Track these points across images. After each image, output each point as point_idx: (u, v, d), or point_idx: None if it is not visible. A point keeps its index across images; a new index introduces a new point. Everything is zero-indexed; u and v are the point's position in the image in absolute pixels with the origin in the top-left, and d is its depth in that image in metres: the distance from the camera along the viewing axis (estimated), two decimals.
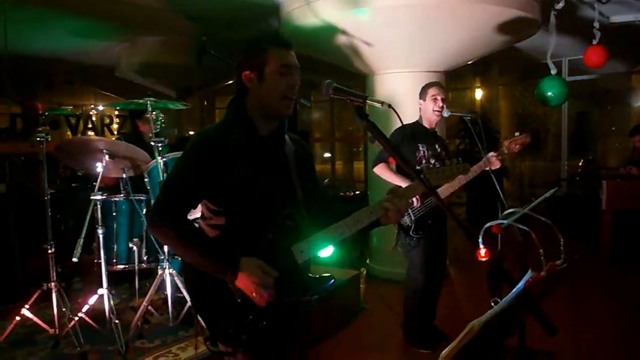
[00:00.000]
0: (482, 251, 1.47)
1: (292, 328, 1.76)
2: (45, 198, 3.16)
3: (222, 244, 1.64)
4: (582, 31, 5.71)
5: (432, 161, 3.40)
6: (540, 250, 1.69)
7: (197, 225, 1.79)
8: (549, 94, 5.38)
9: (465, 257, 5.80)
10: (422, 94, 3.46)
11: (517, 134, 3.38)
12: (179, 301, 3.41)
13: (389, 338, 3.77)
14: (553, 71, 5.45)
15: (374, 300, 4.50)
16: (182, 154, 1.68)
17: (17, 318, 3.06)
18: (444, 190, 3.27)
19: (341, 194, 6.84)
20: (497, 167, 3.31)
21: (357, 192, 6.90)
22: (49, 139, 3.19)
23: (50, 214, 3.18)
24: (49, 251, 3.13)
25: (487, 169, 3.26)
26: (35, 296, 3.13)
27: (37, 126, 3.23)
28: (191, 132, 9.87)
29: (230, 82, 8.69)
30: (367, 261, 5.48)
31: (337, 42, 4.68)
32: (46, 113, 3.29)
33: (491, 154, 3.31)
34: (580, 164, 8.50)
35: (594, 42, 5.25)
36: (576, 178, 7.98)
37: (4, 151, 5.24)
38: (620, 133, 9.19)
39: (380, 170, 3.37)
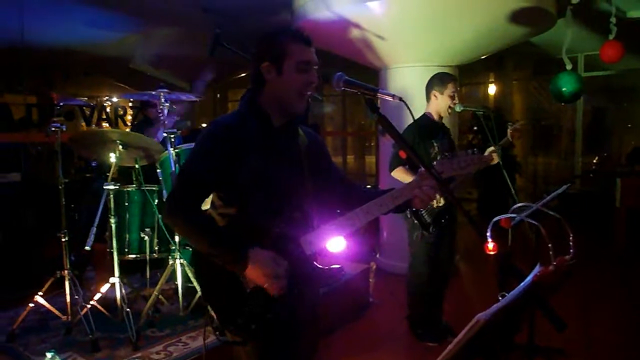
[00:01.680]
0: (490, 245, 1.46)
1: (301, 319, 1.77)
2: (60, 187, 3.20)
3: (233, 234, 1.65)
4: (599, 26, 5.63)
5: (446, 154, 3.37)
6: (549, 245, 1.68)
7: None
8: (564, 89, 5.32)
9: (475, 253, 5.77)
10: (439, 86, 3.37)
11: (510, 123, 3.38)
12: (189, 291, 3.44)
13: (398, 332, 3.77)
14: (568, 66, 5.38)
15: (383, 294, 4.51)
16: (197, 143, 1.68)
17: (31, 305, 3.11)
18: (455, 187, 3.26)
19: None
20: (494, 162, 3.27)
21: (369, 186, 6.89)
22: (64, 129, 3.22)
23: (64, 203, 3.22)
24: (63, 240, 3.17)
25: (496, 162, 3.22)
26: (48, 284, 3.18)
27: (53, 116, 3.26)
28: (204, 125, 9.91)
29: (243, 74, 8.72)
30: (377, 255, 5.48)
31: (350, 36, 4.66)
32: (61, 103, 3.32)
33: (491, 148, 3.28)
34: (594, 160, 8.40)
35: (611, 37, 5.16)
36: (590, 175, 7.89)
37: (20, 141, 5.30)
38: (636, 130, 9.05)
39: (398, 174, 3.34)
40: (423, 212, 3.31)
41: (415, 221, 3.34)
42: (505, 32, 4.69)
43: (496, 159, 3.25)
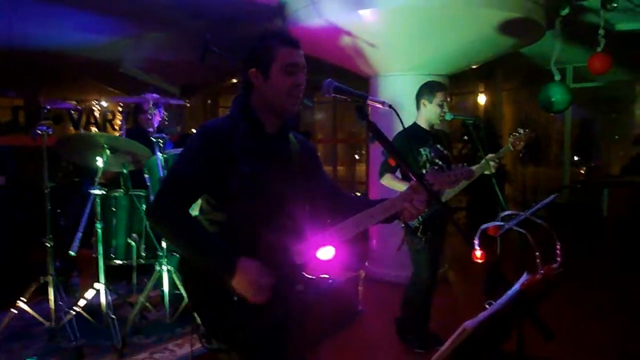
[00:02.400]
0: (478, 252, 1.46)
1: (288, 327, 1.75)
2: (45, 191, 3.16)
3: (221, 241, 1.62)
4: (587, 38, 5.70)
5: (437, 161, 3.38)
6: (537, 253, 1.68)
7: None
8: (553, 100, 5.38)
9: (464, 261, 5.78)
10: (428, 95, 3.37)
11: (520, 130, 3.37)
12: (176, 298, 3.40)
13: (387, 340, 3.75)
14: (557, 77, 5.44)
15: (372, 302, 4.49)
16: (186, 146, 1.66)
17: (14, 311, 3.05)
18: (447, 194, 3.26)
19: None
20: (489, 172, 3.29)
21: (358, 194, 6.90)
22: (50, 133, 3.19)
23: (50, 207, 3.18)
24: (47, 245, 3.12)
25: (488, 172, 3.25)
26: (32, 289, 3.13)
27: (40, 120, 3.22)
28: (194, 130, 9.87)
29: (234, 80, 8.71)
30: (366, 263, 5.47)
31: (341, 43, 4.67)
32: (48, 107, 3.29)
33: (490, 155, 3.30)
34: (582, 171, 8.48)
35: (599, 49, 5.23)
36: (578, 185, 7.96)
37: (5, 144, 5.24)
38: (624, 141, 9.15)
39: (387, 181, 3.34)
40: None
41: (402, 225, 3.34)
42: (494, 42, 4.74)
43: (492, 169, 3.26)
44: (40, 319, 3.11)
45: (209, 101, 11.19)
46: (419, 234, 3.32)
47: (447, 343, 1.07)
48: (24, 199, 4.01)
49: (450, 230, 3.64)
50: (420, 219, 3.29)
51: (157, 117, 3.48)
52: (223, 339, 1.63)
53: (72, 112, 6.83)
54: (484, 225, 1.93)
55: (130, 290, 3.74)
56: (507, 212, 2.25)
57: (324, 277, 3.97)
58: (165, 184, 1.65)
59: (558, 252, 1.58)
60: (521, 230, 1.94)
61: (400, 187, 3.22)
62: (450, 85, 5.08)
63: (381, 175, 3.34)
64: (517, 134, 3.39)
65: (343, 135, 11.55)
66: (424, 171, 3.17)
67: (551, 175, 9.49)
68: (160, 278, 3.28)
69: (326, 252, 1.74)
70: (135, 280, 3.62)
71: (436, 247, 3.44)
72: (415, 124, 3.47)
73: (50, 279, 3.09)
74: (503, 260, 2.62)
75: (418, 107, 3.47)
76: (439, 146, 3.44)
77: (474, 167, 3.23)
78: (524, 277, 1.22)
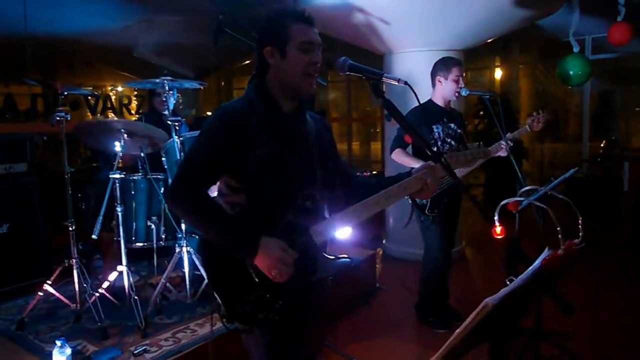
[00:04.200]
0: (498, 229, 1.45)
1: (308, 307, 1.77)
2: (66, 176, 3.21)
3: (243, 221, 1.63)
4: (606, 8, 5.54)
5: (449, 140, 3.36)
6: (558, 229, 1.67)
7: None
8: (571, 72, 5.26)
9: (482, 238, 5.77)
10: (443, 71, 3.33)
11: (540, 111, 3.31)
12: (196, 279, 3.46)
13: (405, 317, 3.79)
14: (576, 49, 5.32)
15: (390, 279, 4.52)
16: (203, 128, 1.66)
17: (40, 293, 3.13)
18: (460, 171, 3.23)
19: (357, 174, 6.83)
20: (504, 155, 3.24)
21: (374, 172, 6.88)
22: (69, 119, 3.22)
23: (70, 192, 3.23)
24: (70, 229, 3.18)
25: (498, 155, 3.20)
26: (57, 272, 3.20)
27: (58, 106, 3.26)
28: (209, 113, 9.90)
29: (248, 61, 8.68)
30: (383, 241, 5.49)
31: (354, 21, 4.62)
32: (65, 93, 3.31)
33: (508, 135, 3.25)
34: (602, 144, 8.33)
35: (619, 18, 5.09)
36: (598, 159, 7.82)
37: (25, 131, 5.32)
38: None
39: (397, 156, 3.33)
40: None
41: (410, 201, 3.33)
42: (511, 14, 4.63)
43: (504, 153, 3.21)
44: (66, 301, 3.19)
45: (223, 83, 11.18)
46: (426, 211, 3.32)
47: (469, 319, 1.08)
48: (45, 184, 4.07)
49: (466, 207, 3.63)
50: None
51: (171, 100, 3.49)
52: (244, 319, 1.64)
53: (89, 97, 6.89)
54: (504, 201, 1.91)
55: (151, 272, 3.80)
56: (527, 187, 2.22)
57: (343, 256, 4.00)
58: (183, 167, 1.66)
59: (580, 227, 1.56)
60: (542, 205, 1.92)
61: (411, 163, 3.21)
62: (465, 60, 4.99)
63: (392, 149, 3.34)
64: (534, 115, 3.33)
65: (358, 113, 11.47)
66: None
67: (569, 150, 9.34)
68: (180, 259, 3.33)
69: (343, 232, 1.75)
70: (156, 262, 3.68)
71: (448, 224, 3.43)
72: (430, 101, 3.43)
73: (74, 262, 3.16)
74: (521, 236, 2.61)
75: (434, 85, 3.42)
76: (452, 125, 3.41)
77: (490, 147, 3.20)
78: (546, 253, 1.21)
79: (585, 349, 3.11)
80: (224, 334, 2.49)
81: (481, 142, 1.76)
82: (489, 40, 5.42)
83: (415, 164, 3.20)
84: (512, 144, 3.26)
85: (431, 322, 3.60)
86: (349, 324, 3.68)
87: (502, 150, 3.23)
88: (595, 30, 7.19)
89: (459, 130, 3.43)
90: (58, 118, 3.16)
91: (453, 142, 3.37)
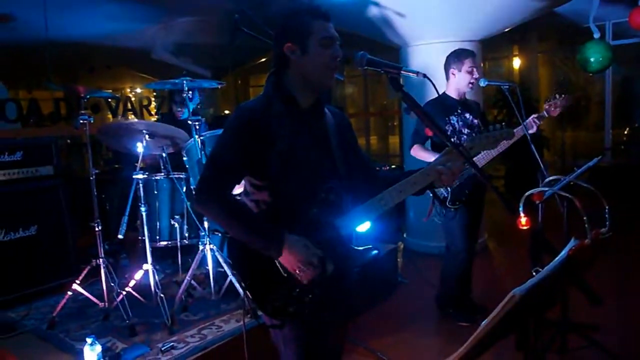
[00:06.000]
0: (523, 219, 1.44)
1: (336, 301, 1.78)
2: (91, 178, 3.27)
3: (267, 220, 1.65)
4: None
5: (465, 131, 3.33)
6: (584, 218, 1.64)
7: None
8: (592, 59, 5.17)
9: (504, 230, 5.71)
10: (456, 63, 3.31)
11: (557, 96, 3.25)
12: (220, 276, 3.50)
13: (427, 311, 3.78)
14: (596, 35, 5.22)
15: (411, 273, 4.51)
16: (224, 129, 1.68)
17: (69, 293, 3.21)
18: (480, 159, 3.20)
19: (377, 168, 6.81)
20: (533, 131, 3.19)
21: (393, 166, 6.86)
22: (92, 122, 3.28)
23: (95, 193, 3.29)
24: (96, 229, 3.25)
25: (527, 132, 3.13)
26: (85, 272, 3.27)
27: (80, 109, 3.32)
28: (227, 112, 9.97)
29: (263, 59, 8.71)
30: (404, 235, 5.48)
31: (369, 14, 4.60)
32: (87, 96, 3.37)
33: (533, 116, 3.20)
34: (625, 132, 8.16)
35: None
36: (621, 147, 7.67)
37: (50, 135, 5.43)
38: None
39: (416, 152, 3.33)
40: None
41: (431, 194, 3.31)
42: (528, 3, 4.56)
43: (534, 127, 3.15)
44: (95, 300, 3.26)
45: (239, 81, 11.24)
46: (448, 204, 3.30)
47: (496, 310, 1.08)
48: (70, 187, 4.16)
49: (487, 199, 3.60)
50: (449, 189, 3.26)
51: (194, 101, 3.54)
52: (275, 314, 1.66)
53: (110, 100, 6.99)
54: (529, 192, 1.89)
55: (176, 270, 3.86)
56: (550, 177, 2.20)
57: (369, 248, 4.00)
58: (207, 168, 1.68)
59: (607, 215, 1.54)
60: (567, 194, 1.90)
61: (429, 158, 3.19)
62: (482, 50, 4.94)
63: (411, 145, 3.34)
64: (552, 100, 3.28)
65: (375, 108, 11.43)
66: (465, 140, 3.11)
67: (592, 139, 9.17)
68: (204, 257, 3.38)
69: (364, 226, 1.76)
70: (180, 260, 3.73)
71: (471, 218, 3.40)
72: (444, 94, 3.41)
73: (101, 261, 3.22)
74: (545, 226, 2.59)
75: (447, 78, 3.41)
76: (467, 115, 3.38)
77: (515, 129, 3.17)
78: (572, 243, 1.20)
79: (612, 340, 3.06)
80: (252, 329, 2.53)
81: (504, 123, 1.74)
82: (506, 30, 5.35)
83: (433, 157, 3.18)
84: (536, 126, 3.20)
85: (452, 314, 3.58)
86: (372, 317, 3.68)
87: (531, 127, 3.17)
88: (616, 15, 7.04)
89: (476, 120, 3.40)
90: (82, 121, 3.22)
91: (469, 132, 3.35)
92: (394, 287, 4.28)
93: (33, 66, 6.90)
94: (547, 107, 3.27)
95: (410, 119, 4.78)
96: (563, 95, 3.23)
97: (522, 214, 1.48)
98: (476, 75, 3.28)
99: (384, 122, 11.63)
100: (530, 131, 3.16)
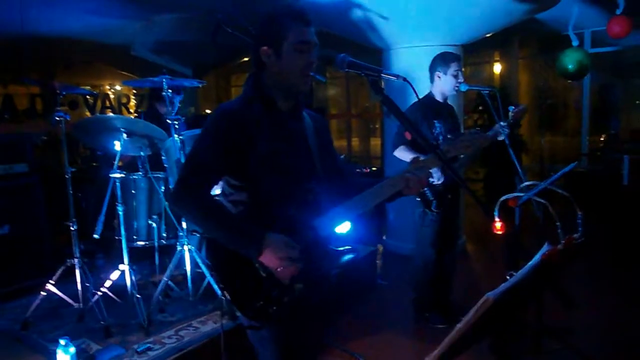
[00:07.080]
0: (498, 224, 1.46)
1: (314, 302, 1.77)
2: (67, 176, 3.21)
3: (245, 219, 1.65)
4: (606, 1, 5.53)
5: (449, 136, 3.36)
6: (558, 223, 1.67)
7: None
8: (570, 66, 5.26)
9: (482, 233, 5.78)
10: (442, 66, 3.33)
11: (514, 107, 3.33)
12: (198, 277, 3.47)
13: (406, 313, 3.79)
14: (575, 43, 5.31)
15: (390, 275, 4.53)
16: (203, 129, 1.67)
17: (43, 293, 3.14)
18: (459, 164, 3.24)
19: (358, 170, 6.82)
20: (502, 138, 3.24)
21: (374, 169, 6.88)
22: (68, 119, 3.22)
23: (71, 192, 3.23)
24: (72, 228, 3.19)
25: (501, 139, 3.19)
26: (60, 272, 3.21)
27: (56, 106, 3.26)
28: (208, 111, 9.89)
29: (246, 59, 8.67)
30: (384, 237, 5.50)
31: (353, 17, 4.61)
32: (63, 92, 3.31)
33: (501, 123, 3.25)
34: (602, 138, 8.32)
35: (618, 11, 5.08)
36: (597, 153, 7.82)
37: (25, 131, 5.32)
38: None
39: (400, 153, 3.35)
40: (426, 189, 3.30)
41: (418, 198, 3.35)
42: (510, 9, 4.63)
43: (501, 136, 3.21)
44: (69, 300, 3.20)
45: (221, 80, 11.16)
46: (432, 207, 3.32)
47: (470, 313, 1.09)
48: (45, 184, 4.07)
49: (467, 202, 3.63)
50: (434, 192, 3.29)
51: (176, 101, 3.48)
52: (255, 315, 1.64)
53: (88, 97, 6.88)
54: (504, 197, 1.92)
55: (153, 271, 3.81)
56: (527, 183, 2.23)
57: (347, 249, 4.02)
58: (185, 168, 1.67)
59: (579, 222, 1.57)
60: (541, 200, 1.93)
61: (412, 157, 3.20)
62: (464, 55, 4.99)
63: (395, 147, 3.35)
64: (516, 108, 3.35)
65: (357, 110, 11.46)
66: (440, 143, 3.15)
67: (569, 144, 9.33)
68: (182, 257, 3.34)
69: (343, 226, 1.76)
70: (158, 260, 3.69)
71: (445, 224, 3.43)
72: (429, 95, 3.44)
73: (76, 261, 3.16)
74: (521, 231, 2.62)
75: (432, 80, 3.43)
76: (450, 120, 3.43)
77: (488, 133, 3.22)
78: (546, 248, 1.22)
79: (586, 343, 3.11)
80: (229, 330, 2.50)
81: (478, 128, 1.76)
82: (488, 35, 5.42)
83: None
84: (508, 130, 3.25)
85: (428, 318, 3.60)
86: (350, 320, 3.69)
87: (500, 134, 3.22)
88: (595, 24, 7.17)
89: (456, 124, 3.45)
90: (58, 118, 3.16)
91: (452, 136, 3.38)
92: (372, 289, 4.29)
93: (8, 61, 6.74)
94: (512, 114, 3.33)
95: (391, 121, 4.80)
96: (520, 105, 3.33)
97: (497, 219, 1.49)
98: (461, 79, 3.31)
99: (365, 124, 11.66)
100: (500, 138, 3.20)
